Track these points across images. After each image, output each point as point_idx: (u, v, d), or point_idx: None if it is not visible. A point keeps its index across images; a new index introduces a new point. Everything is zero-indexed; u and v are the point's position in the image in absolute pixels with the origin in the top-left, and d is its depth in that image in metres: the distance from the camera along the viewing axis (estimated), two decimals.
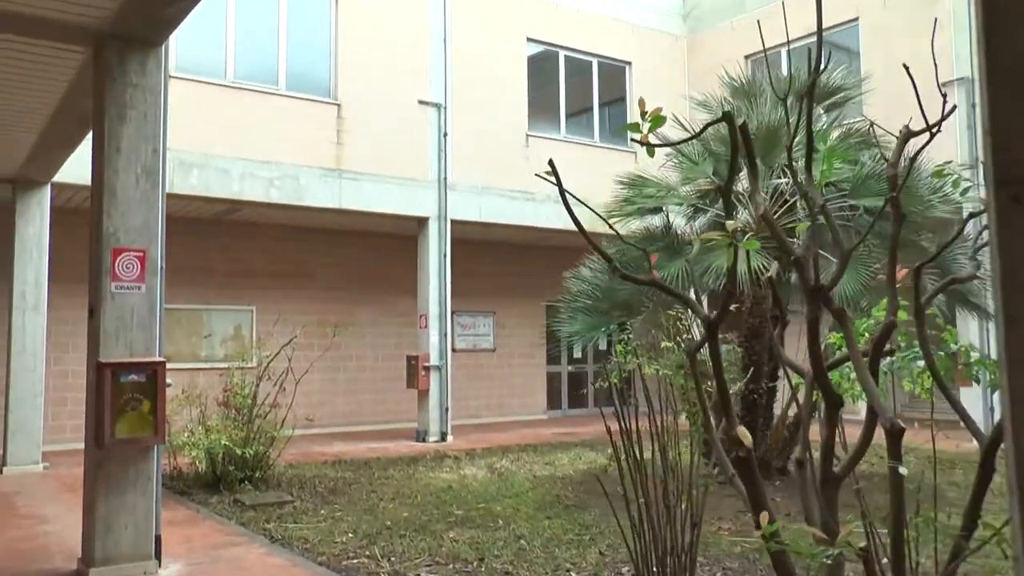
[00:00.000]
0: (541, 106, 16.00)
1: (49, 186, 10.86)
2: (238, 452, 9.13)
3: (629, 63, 17.20)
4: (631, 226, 9.76)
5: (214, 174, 12.01)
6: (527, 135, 15.52)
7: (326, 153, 13.03)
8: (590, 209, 3.21)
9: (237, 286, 14.56)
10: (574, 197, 2.71)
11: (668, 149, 10.19)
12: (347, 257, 15.66)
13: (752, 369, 8.99)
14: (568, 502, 8.69)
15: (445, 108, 14.25)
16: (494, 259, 17.29)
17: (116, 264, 5.69)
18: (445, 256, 14.16)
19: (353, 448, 12.97)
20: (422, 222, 14.12)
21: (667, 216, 8.91)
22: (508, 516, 8.00)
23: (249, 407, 9.51)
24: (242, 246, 14.61)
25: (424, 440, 13.86)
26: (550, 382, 18.59)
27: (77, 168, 9.30)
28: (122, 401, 5.60)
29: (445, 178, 14.17)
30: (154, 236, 5.85)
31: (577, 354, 19.24)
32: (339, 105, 13.31)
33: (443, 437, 14.00)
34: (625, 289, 8.11)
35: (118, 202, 5.72)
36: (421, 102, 14.09)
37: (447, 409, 14.12)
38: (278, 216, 14.01)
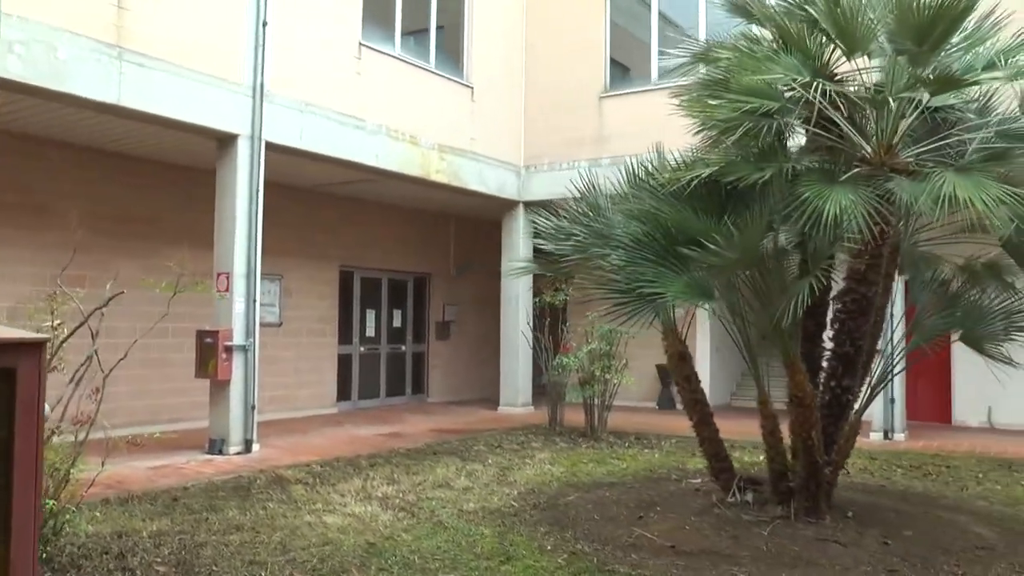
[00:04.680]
0: (375, 15, 12.22)
1: None
2: None
3: None
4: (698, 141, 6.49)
5: None
6: (360, 44, 11.69)
7: (102, 18, 8.40)
8: None
9: None
10: None
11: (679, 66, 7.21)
12: (100, 188, 10.85)
13: (847, 358, 6.25)
14: (606, 561, 5.43)
15: None
16: (278, 206, 13.07)
17: None
18: (258, 192, 10.02)
19: (128, 470, 8.50)
20: (227, 141, 9.85)
21: (782, 124, 5.73)
22: None
23: None
24: None
25: (223, 451, 9.71)
26: (340, 367, 14.82)
27: None
28: None
29: (262, 84, 10.01)
30: None
31: (370, 332, 15.65)
32: None
33: (248, 447, 9.92)
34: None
35: None
36: None
37: (254, 407, 10.03)
38: (9, 113, 9.06)
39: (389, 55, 12.28)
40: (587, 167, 13.87)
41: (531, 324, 13.87)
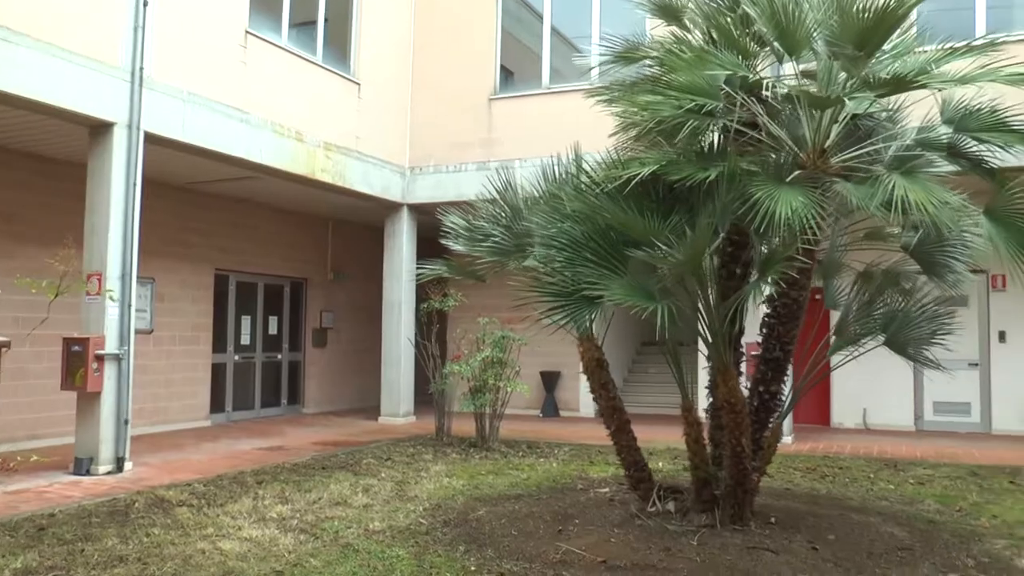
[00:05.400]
0: (263, 2, 11.54)
1: None
2: None
3: None
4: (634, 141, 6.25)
5: None
6: (247, 32, 11.01)
7: None
8: None
9: None
10: None
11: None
12: None
13: (776, 363, 6.17)
14: None
15: None
16: (149, 204, 12.10)
17: None
18: (135, 186, 9.23)
19: None
20: (102, 130, 9.02)
21: (728, 124, 5.54)
22: None
23: None
24: None
25: (90, 472, 8.86)
26: (214, 376, 13.94)
27: None
28: None
29: (141, 69, 9.23)
30: None
31: (245, 340, 14.83)
32: None
33: (119, 466, 9.09)
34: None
35: None
36: None
37: (127, 421, 9.21)
38: None
39: (276, 45, 11.63)
40: (475, 170, 13.67)
41: (416, 331, 13.44)
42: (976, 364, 13.08)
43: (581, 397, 15.56)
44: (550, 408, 15.67)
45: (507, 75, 14.88)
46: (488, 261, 6.65)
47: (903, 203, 4.66)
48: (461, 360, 11.60)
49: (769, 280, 5.19)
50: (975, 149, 5.83)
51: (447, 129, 14.29)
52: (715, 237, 5.13)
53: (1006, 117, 5.63)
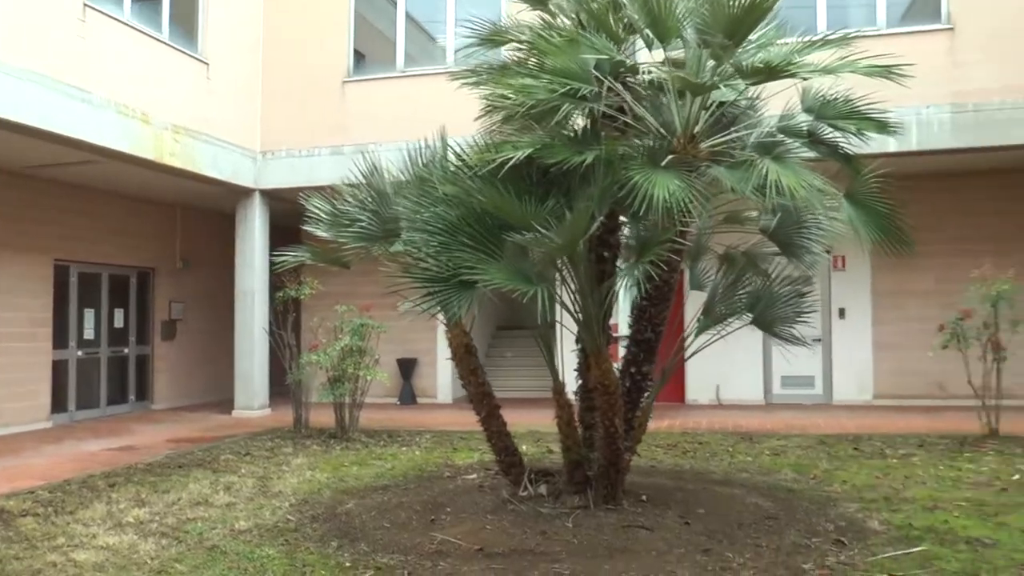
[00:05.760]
0: None
1: None
2: None
3: None
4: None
5: None
6: (85, 5, 10.27)
7: None
8: None
9: None
10: None
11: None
12: None
13: (647, 344, 6.28)
14: (416, 572, 5.01)
15: None
16: None
17: None
18: None
19: None
20: None
21: (595, 110, 5.54)
22: None
23: None
24: None
25: None
26: (55, 374, 13.06)
27: None
28: None
29: None
30: None
31: (88, 334, 13.96)
32: None
33: None
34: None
35: None
36: None
37: None
38: None
39: (118, 20, 10.91)
40: (329, 154, 13.35)
41: (271, 320, 13.01)
42: (819, 339, 13.81)
43: (438, 384, 15.54)
44: (407, 396, 15.53)
45: (360, 59, 14.57)
46: (354, 247, 6.48)
47: (776, 187, 4.84)
48: (319, 349, 11.28)
49: (647, 262, 5.26)
50: (832, 136, 6.14)
51: (300, 112, 13.90)
52: (593, 221, 5.14)
53: (859, 106, 5.99)
